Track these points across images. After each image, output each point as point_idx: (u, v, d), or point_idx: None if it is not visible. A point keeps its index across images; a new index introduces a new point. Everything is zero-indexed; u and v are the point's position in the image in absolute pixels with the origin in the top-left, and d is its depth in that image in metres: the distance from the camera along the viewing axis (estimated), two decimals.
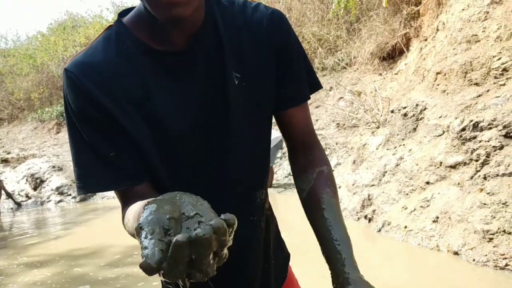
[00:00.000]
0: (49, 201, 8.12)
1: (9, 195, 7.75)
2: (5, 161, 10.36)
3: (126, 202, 0.76)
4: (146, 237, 0.43)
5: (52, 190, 8.22)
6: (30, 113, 14.97)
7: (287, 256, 1.00)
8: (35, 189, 8.42)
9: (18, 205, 7.86)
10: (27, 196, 8.35)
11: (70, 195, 8.17)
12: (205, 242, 0.42)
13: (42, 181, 8.44)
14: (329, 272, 0.78)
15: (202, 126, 0.77)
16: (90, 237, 5.18)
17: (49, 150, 11.72)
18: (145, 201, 0.62)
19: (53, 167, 8.70)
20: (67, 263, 3.97)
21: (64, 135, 13.68)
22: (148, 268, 0.41)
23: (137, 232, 0.45)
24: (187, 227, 0.45)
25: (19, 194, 8.40)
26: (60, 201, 8.09)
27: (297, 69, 0.85)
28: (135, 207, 0.67)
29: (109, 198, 8.10)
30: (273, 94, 0.84)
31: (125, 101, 0.73)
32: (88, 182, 0.76)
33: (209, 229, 0.43)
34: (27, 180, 8.58)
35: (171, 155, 0.77)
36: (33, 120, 14.76)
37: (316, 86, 0.89)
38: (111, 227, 5.62)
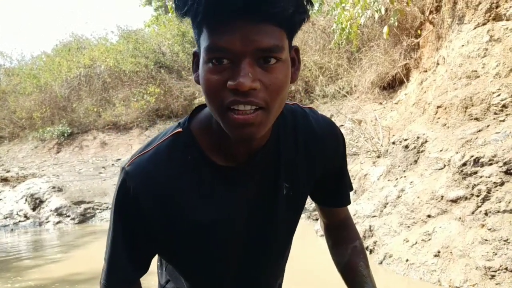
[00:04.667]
0: (47, 222, 8.07)
1: None
2: (5, 180, 10.33)
3: None
4: None
5: (51, 211, 8.17)
6: (31, 132, 15.01)
7: None
8: (34, 209, 8.38)
9: None
10: (25, 216, 8.30)
11: (69, 216, 8.12)
12: None
13: (41, 202, 8.40)
14: None
15: (247, 234, 0.83)
16: (88, 261, 5.14)
17: (49, 170, 11.71)
18: None
19: (53, 187, 8.67)
20: None
21: (64, 154, 13.70)
22: None
23: None
24: None
25: (17, 214, 8.35)
26: (58, 222, 8.04)
27: (344, 180, 0.97)
28: None
29: (108, 221, 8.06)
30: (305, 201, 0.93)
31: (178, 216, 0.78)
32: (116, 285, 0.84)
33: None
34: (26, 200, 8.54)
35: (207, 263, 0.84)
36: (34, 139, 14.80)
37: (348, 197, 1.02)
38: None
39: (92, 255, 5.51)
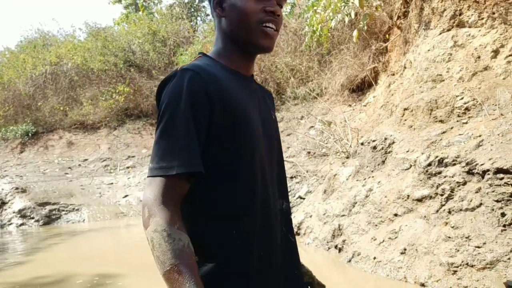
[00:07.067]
0: (10, 224, 7.78)
1: None
2: None
3: (170, 197, 0.88)
4: None
5: (14, 212, 7.87)
6: None
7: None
8: None
9: None
10: None
11: (33, 218, 7.85)
12: None
13: (3, 203, 8.08)
14: None
15: (263, 137, 1.04)
16: (53, 264, 4.98)
17: (12, 170, 11.29)
18: None
19: (16, 188, 8.37)
20: None
21: (28, 154, 13.23)
22: None
23: None
24: None
25: None
26: (22, 224, 7.75)
27: None
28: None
29: (74, 222, 7.85)
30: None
31: (231, 107, 0.96)
32: (190, 163, 0.90)
33: None
34: None
35: (250, 151, 0.99)
36: None
37: None
38: (75, 254, 5.43)
39: (57, 257, 5.35)
